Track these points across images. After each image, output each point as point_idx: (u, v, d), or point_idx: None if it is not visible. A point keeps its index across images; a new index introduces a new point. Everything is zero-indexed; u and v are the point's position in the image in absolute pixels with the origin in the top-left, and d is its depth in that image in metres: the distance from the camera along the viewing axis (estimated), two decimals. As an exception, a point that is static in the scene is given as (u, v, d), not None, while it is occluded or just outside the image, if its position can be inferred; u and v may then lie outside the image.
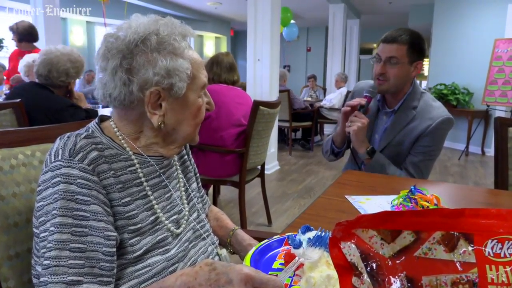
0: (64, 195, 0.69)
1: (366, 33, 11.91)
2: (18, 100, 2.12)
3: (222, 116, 2.59)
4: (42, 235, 0.70)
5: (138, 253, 0.77)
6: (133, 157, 0.83)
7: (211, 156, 2.65)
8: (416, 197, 1.04)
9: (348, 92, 6.29)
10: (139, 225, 0.79)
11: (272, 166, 4.97)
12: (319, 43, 13.01)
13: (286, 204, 3.75)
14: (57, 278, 0.65)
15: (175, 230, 0.87)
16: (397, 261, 0.43)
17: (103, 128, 0.85)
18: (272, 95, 4.69)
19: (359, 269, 0.44)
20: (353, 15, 9.44)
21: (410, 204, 1.04)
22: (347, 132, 1.64)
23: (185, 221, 0.92)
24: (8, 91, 3.95)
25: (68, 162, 0.72)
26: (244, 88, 4.49)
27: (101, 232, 0.71)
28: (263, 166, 3.05)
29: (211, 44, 12.68)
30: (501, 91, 5.50)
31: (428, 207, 1.01)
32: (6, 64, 5.80)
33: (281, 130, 6.48)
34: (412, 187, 1.08)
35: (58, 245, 0.67)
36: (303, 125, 6.32)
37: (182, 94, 0.82)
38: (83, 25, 9.30)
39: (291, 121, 5.94)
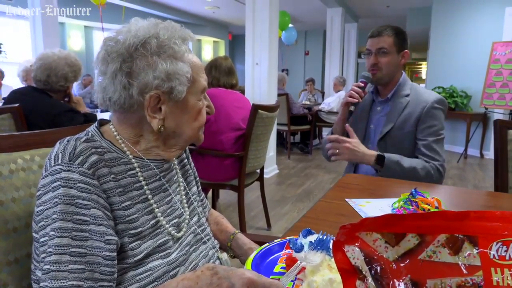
0: (64, 199, 0.69)
1: (364, 37, 11.87)
2: (16, 105, 2.11)
3: (221, 120, 2.59)
4: (42, 239, 0.70)
5: (139, 257, 0.77)
6: (133, 160, 0.83)
7: (210, 160, 2.65)
8: (417, 200, 1.03)
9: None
10: (140, 229, 0.78)
11: (271, 170, 4.96)
12: (317, 46, 13.05)
13: (285, 208, 3.74)
14: (58, 282, 0.65)
15: (176, 234, 0.86)
16: (402, 264, 0.43)
17: (103, 132, 0.85)
18: (270, 98, 4.69)
19: (363, 272, 0.44)
20: (351, 19, 9.48)
21: (411, 207, 1.03)
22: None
23: (185, 225, 0.91)
24: (5, 96, 3.94)
25: (68, 166, 0.71)
26: (242, 92, 4.50)
27: (101, 237, 0.70)
28: (262, 169, 3.05)
29: (209, 48, 12.70)
30: (499, 93, 5.52)
31: (429, 210, 1.01)
32: (4, 69, 5.80)
33: (279, 134, 6.49)
34: (413, 190, 1.08)
35: (58, 249, 0.66)
36: (302, 128, 6.32)
37: (182, 97, 0.82)
38: (81, 30, 9.31)
39: (289, 125, 5.94)
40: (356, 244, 0.44)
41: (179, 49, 0.81)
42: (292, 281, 0.70)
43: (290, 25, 8.50)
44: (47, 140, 1.01)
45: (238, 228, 1.13)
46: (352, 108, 1.74)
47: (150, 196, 0.83)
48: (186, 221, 0.92)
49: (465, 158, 6.21)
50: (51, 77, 2.16)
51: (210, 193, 3.40)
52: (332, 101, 6.73)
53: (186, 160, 1.05)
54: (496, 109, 5.74)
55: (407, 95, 1.76)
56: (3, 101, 3.97)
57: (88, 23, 9.24)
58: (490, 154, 6.23)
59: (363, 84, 1.74)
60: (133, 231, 0.77)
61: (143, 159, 0.85)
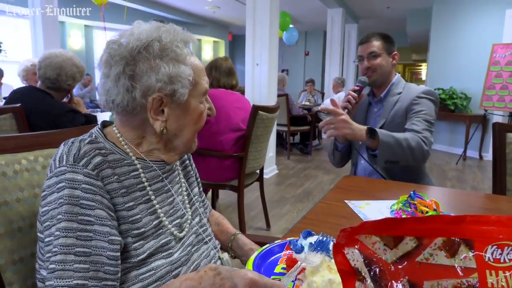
0: (69, 200, 0.70)
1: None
2: (18, 105, 2.12)
3: (221, 121, 2.60)
4: (47, 239, 0.71)
5: (142, 256, 0.78)
6: (136, 162, 0.84)
7: (210, 160, 2.66)
8: (415, 202, 1.05)
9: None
10: (143, 229, 0.79)
11: (270, 170, 4.98)
12: (317, 47, 13.07)
13: (284, 208, 3.75)
14: (63, 281, 0.66)
15: (178, 234, 0.88)
16: (400, 266, 0.44)
17: (106, 133, 0.86)
18: (270, 99, 4.70)
19: (363, 274, 0.45)
20: (351, 20, 9.50)
21: (409, 209, 1.05)
22: (328, 136, 1.64)
23: (187, 225, 0.92)
24: (5, 95, 3.95)
25: (73, 167, 0.73)
26: (242, 92, 4.52)
27: (105, 237, 0.71)
28: (262, 170, 3.06)
29: (209, 48, 12.71)
30: (499, 95, 5.53)
31: (427, 212, 1.02)
32: (4, 68, 5.81)
33: (279, 134, 6.50)
34: (412, 192, 1.09)
35: (64, 249, 0.68)
36: (301, 129, 6.33)
37: (184, 100, 0.83)
38: (81, 29, 9.32)
39: (289, 125, 5.95)
40: (356, 246, 0.45)
41: (181, 52, 0.83)
42: (292, 281, 0.71)
43: (291, 25, 8.51)
44: (51, 141, 1.02)
45: (237, 228, 1.14)
46: (345, 111, 1.74)
47: (153, 197, 0.85)
48: (188, 221, 0.94)
49: (464, 159, 6.23)
50: (61, 76, 2.19)
51: (209, 194, 3.42)
52: (332, 102, 6.74)
53: (187, 162, 1.06)
54: (496, 111, 5.75)
55: (399, 93, 1.85)
56: (3, 100, 3.98)
57: (88, 22, 9.25)
58: (489, 156, 6.24)
59: (358, 88, 1.81)
60: (136, 231, 0.78)
61: (146, 160, 0.86)
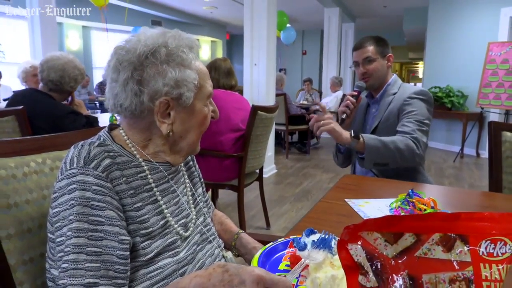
0: (80, 201, 0.73)
1: (361, 37, 12.00)
2: (20, 107, 2.14)
3: (221, 121, 2.63)
4: (58, 239, 0.73)
5: (150, 256, 0.81)
6: (143, 163, 0.87)
7: (210, 160, 2.68)
8: (413, 200, 1.08)
9: (344, 95, 6.35)
10: (150, 229, 0.82)
11: (269, 169, 5.00)
12: (314, 46, 13.09)
13: (283, 208, 3.78)
14: (76, 280, 0.68)
15: (183, 233, 0.90)
16: (400, 261, 0.47)
17: (114, 136, 0.88)
18: (268, 99, 4.73)
19: (365, 268, 0.48)
20: (348, 19, 9.53)
21: (408, 207, 1.08)
22: (318, 134, 1.65)
23: (192, 225, 0.95)
24: (4, 97, 3.96)
25: (83, 170, 0.75)
26: (241, 92, 4.54)
27: (115, 237, 0.74)
28: (261, 170, 3.09)
29: (207, 48, 12.73)
30: (495, 93, 5.58)
31: (425, 209, 1.05)
32: (2, 69, 5.81)
33: (277, 134, 6.53)
34: (410, 190, 1.12)
35: (76, 249, 0.70)
36: (300, 128, 6.36)
37: (189, 103, 0.86)
38: (79, 30, 9.31)
39: (287, 125, 5.98)
40: (359, 242, 0.48)
41: (186, 57, 0.85)
42: (296, 278, 0.74)
43: (288, 25, 8.54)
44: (58, 143, 1.04)
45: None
46: (343, 116, 1.83)
47: (159, 198, 0.87)
48: (193, 221, 0.96)
49: (461, 157, 6.28)
50: (64, 78, 2.22)
51: (209, 193, 3.44)
52: (330, 101, 6.79)
53: (191, 163, 1.09)
54: (492, 108, 5.80)
55: (394, 94, 1.88)
56: (2, 101, 3.98)
57: (86, 23, 9.25)
58: (486, 153, 6.28)
59: (356, 93, 1.85)
60: (144, 231, 0.81)
61: (152, 162, 0.89)
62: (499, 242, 0.46)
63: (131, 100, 0.82)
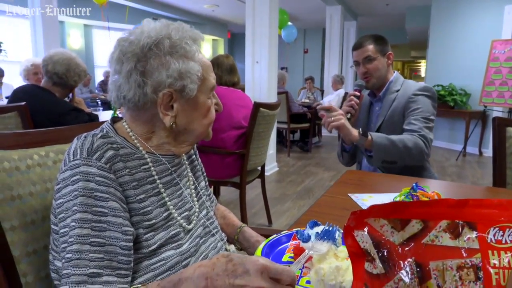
0: (84, 192, 0.73)
1: (363, 35, 11.98)
2: (23, 103, 2.14)
3: (223, 119, 2.62)
4: (62, 230, 0.73)
5: (153, 247, 0.80)
6: (146, 156, 0.86)
7: (212, 157, 2.68)
8: (418, 194, 1.07)
9: (346, 93, 6.34)
10: (153, 221, 0.82)
11: (271, 167, 5.00)
12: (316, 45, 13.08)
13: (285, 205, 3.78)
14: (80, 270, 0.68)
15: (186, 226, 0.90)
16: (406, 248, 0.47)
17: (117, 128, 0.88)
18: (270, 97, 4.72)
19: (372, 255, 0.48)
20: (350, 17, 9.51)
21: (412, 201, 1.07)
22: (329, 129, 1.68)
23: (195, 218, 0.95)
24: (7, 95, 3.96)
25: (87, 161, 0.75)
26: (242, 90, 4.53)
27: (118, 228, 0.74)
28: (263, 167, 3.09)
29: (209, 46, 12.72)
30: (498, 91, 5.56)
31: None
32: (4, 68, 5.82)
33: (279, 132, 6.52)
34: (414, 184, 1.12)
35: (79, 239, 0.70)
36: (301, 126, 6.36)
37: (193, 95, 0.86)
38: (80, 29, 9.32)
39: (289, 123, 5.97)
40: (365, 229, 0.48)
41: (190, 49, 0.85)
42: (300, 269, 0.74)
43: (290, 23, 8.52)
44: (61, 137, 1.05)
45: (239, 225, 1.16)
46: (348, 116, 1.83)
47: (162, 190, 0.87)
48: (196, 214, 0.96)
49: (464, 156, 6.26)
50: (70, 72, 2.25)
51: (211, 190, 3.43)
52: (332, 99, 6.77)
53: (194, 156, 1.08)
54: (495, 107, 5.78)
55: (397, 91, 1.88)
56: (4, 99, 3.99)
57: (87, 22, 9.25)
58: (489, 152, 6.27)
59: (358, 94, 1.86)
60: (147, 223, 0.81)
61: (155, 154, 0.89)
62: (507, 229, 0.45)
63: (135, 92, 0.81)
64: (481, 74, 5.81)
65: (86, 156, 0.76)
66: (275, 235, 0.90)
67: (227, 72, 2.75)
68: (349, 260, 0.55)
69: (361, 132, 1.63)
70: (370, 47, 1.87)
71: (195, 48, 0.87)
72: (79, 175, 0.74)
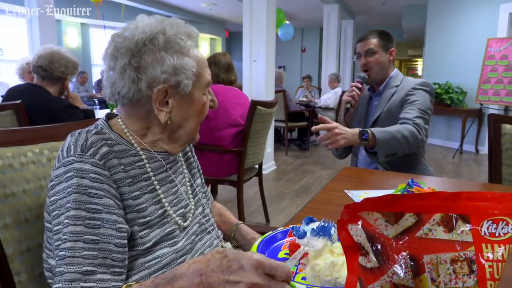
0: (77, 189, 0.72)
1: (360, 34, 11.98)
2: (18, 101, 2.13)
3: (220, 116, 2.62)
4: (55, 228, 0.73)
5: (148, 245, 0.80)
6: (141, 152, 0.86)
7: (210, 155, 2.67)
8: (413, 190, 1.07)
9: (343, 91, 6.35)
10: (148, 218, 0.81)
11: (268, 166, 5.00)
12: (313, 43, 13.08)
13: (283, 204, 3.78)
14: (73, 268, 0.68)
15: (182, 223, 0.90)
16: (400, 242, 0.47)
17: (111, 125, 0.88)
18: (268, 95, 4.72)
19: (366, 248, 0.47)
20: (348, 16, 9.51)
21: (408, 197, 1.07)
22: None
23: (191, 215, 0.94)
24: (3, 94, 3.94)
25: (80, 157, 0.74)
26: (240, 88, 4.53)
27: (113, 225, 0.73)
28: (260, 165, 3.08)
29: (206, 45, 12.70)
30: (494, 89, 5.57)
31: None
32: (0, 66, 5.79)
33: (277, 131, 6.51)
34: (410, 180, 1.12)
35: (73, 236, 0.70)
36: (299, 125, 6.36)
37: (188, 91, 0.85)
38: (77, 27, 9.28)
39: (287, 121, 5.97)
40: (359, 222, 0.48)
41: (185, 45, 0.84)
42: (295, 265, 0.74)
43: (287, 21, 8.52)
44: (55, 134, 1.04)
45: (237, 224, 1.16)
46: (348, 105, 1.86)
47: (157, 187, 0.86)
48: (192, 211, 0.96)
49: (461, 153, 6.27)
50: (53, 63, 2.24)
51: (208, 189, 3.43)
52: (329, 98, 6.77)
53: (190, 153, 1.08)
54: (491, 105, 5.79)
55: (397, 86, 1.90)
56: (1, 98, 3.97)
57: (84, 20, 9.21)
58: (485, 149, 6.28)
59: (360, 86, 1.87)
60: (142, 220, 0.80)
61: (150, 151, 0.88)
62: (501, 222, 0.45)
63: (129, 88, 0.81)
64: (477, 72, 5.83)
65: (80, 152, 0.75)
66: (270, 232, 0.89)
67: (224, 70, 2.74)
68: (344, 255, 0.55)
69: (362, 138, 1.60)
70: (374, 40, 1.90)
71: (190, 44, 0.86)
72: (73, 171, 0.73)
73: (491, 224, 0.45)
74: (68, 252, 0.69)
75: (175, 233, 0.87)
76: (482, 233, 0.45)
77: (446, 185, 1.60)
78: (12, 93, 2.38)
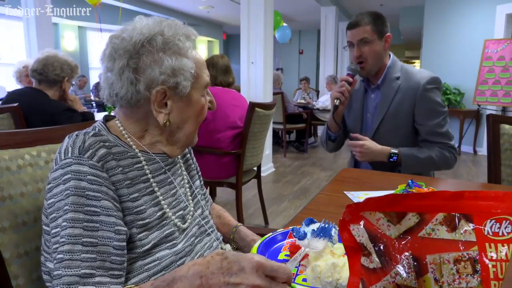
0: (75, 191, 0.71)
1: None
2: (15, 104, 2.12)
3: (218, 119, 2.61)
4: (53, 231, 0.72)
5: (147, 247, 0.79)
6: (139, 154, 0.85)
7: (208, 158, 2.67)
8: (413, 190, 1.07)
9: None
10: (147, 220, 0.81)
11: (267, 168, 4.99)
12: (311, 45, 13.11)
13: (282, 205, 3.77)
14: (71, 271, 0.67)
15: (181, 225, 0.89)
16: (403, 242, 0.46)
17: (109, 126, 0.87)
18: (266, 97, 4.72)
19: (368, 249, 0.47)
20: (345, 18, 9.53)
21: (408, 198, 1.06)
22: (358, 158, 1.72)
23: (190, 217, 0.94)
24: (1, 97, 3.93)
25: (78, 159, 0.74)
26: (238, 90, 4.52)
27: (111, 227, 0.73)
28: (259, 167, 3.08)
29: (204, 48, 12.71)
30: (492, 90, 5.58)
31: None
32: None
33: (275, 133, 6.52)
34: (410, 181, 1.11)
35: (71, 239, 0.69)
36: (297, 127, 6.36)
37: (186, 92, 0.85)
38: (75, 30, 9.28)
39: (285, 123, 5.97)
40: (361, 223, 0.47)
41: (183, 46, 0.84)
42: (296, 267, 0.73)
43: (284, 24, 8.53)
44: (53, 136, 1.03)
45: (235, 226, 1.15)
46: (337, 102, 1.70)
47: (156, 189, 0.86)
48: (191, 213, 0.95)
49: (459, 154, 6.28)
50: (48, 66, 2.24)
51: (207, 191, 3.42)
52: (327, 100, 6.78)
53: (189, 155, 1.07)
54: (489, 105, 5.81)
55: (398, 78, 1.72)
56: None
57: (82, 24, 9.22)
58: (483, 150, 6.30)
59: (351, 80, 1.70)
60: (141, 222, 0.80)
61: (149, 153, 0.88)
62: (504, 221, 0.45)
63: (127, 89, 0.80)
64: (474, 73, 5.84)
65: (78, 154, 0.74)
66: (270, 234, 0.89)
67: (222, 72, 2.74)
68: (345, 257, 0.54)
69: (389, 160, 1.65)
70: (368, 28, 1.67)
71: (188, 45, 0.86)
72: (71, 174, 0.73)
73: (494, 223, 0.45)
74: (66, 255, 0.68)
75: (174, 235, 0.86)
76: (486, 233, 0.45)
77: (445, 186, 1.60)
78: (12, 96, 2.38)
